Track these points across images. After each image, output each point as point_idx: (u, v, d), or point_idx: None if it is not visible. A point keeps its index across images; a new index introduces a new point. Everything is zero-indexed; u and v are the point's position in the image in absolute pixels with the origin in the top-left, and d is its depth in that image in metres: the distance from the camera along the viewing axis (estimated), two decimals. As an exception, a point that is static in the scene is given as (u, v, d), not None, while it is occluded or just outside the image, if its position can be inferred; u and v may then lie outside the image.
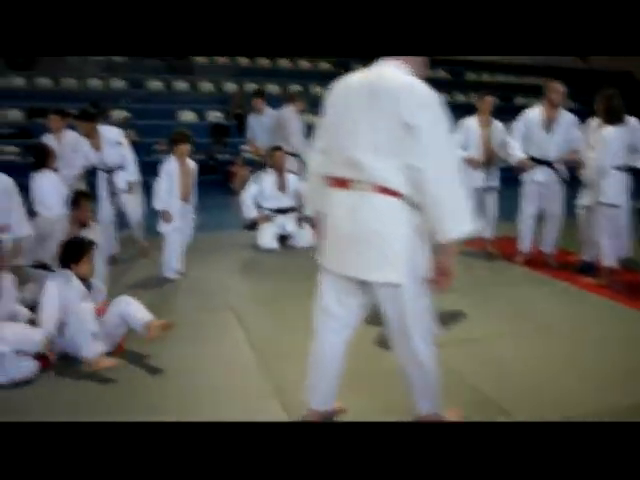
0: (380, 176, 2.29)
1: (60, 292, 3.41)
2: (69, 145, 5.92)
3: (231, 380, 3.25)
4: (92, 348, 3.28)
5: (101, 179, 5.75)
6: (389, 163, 2.28)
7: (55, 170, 5.41)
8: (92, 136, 5.60)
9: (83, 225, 4.34)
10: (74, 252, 3.58)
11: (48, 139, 5.98)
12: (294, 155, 7.09)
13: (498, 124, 5.99)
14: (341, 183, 2.39)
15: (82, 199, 4.46)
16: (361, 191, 2.33)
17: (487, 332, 3.81)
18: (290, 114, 7.40)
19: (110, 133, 5.72)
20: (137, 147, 10.87)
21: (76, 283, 3.51)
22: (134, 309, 3.48)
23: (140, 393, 3.11)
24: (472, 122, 5.98)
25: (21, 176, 5.50)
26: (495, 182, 6.02)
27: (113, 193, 5.71)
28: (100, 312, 3.50)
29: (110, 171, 5.71)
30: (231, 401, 3.01)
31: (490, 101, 5.96)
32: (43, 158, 5.31)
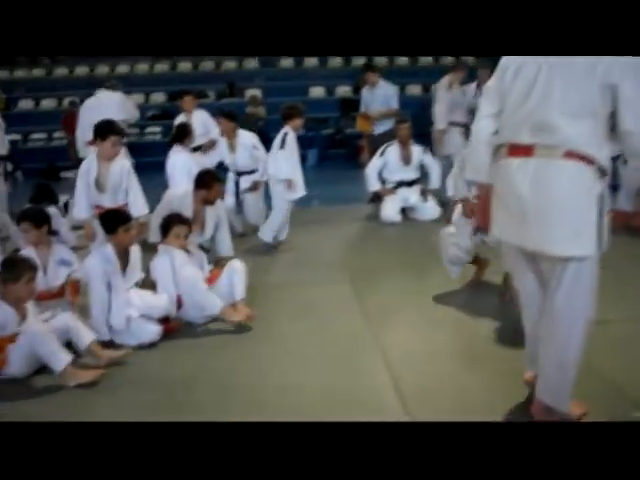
0: (574, 140, 2.14)
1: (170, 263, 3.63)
2: (199, 124, 6.24)
3: (342, 354, 3.23)
4: (214, 303, 3.51)
5: (230, 180, 5.97)
6: (584, 126, 2.13)
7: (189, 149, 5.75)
8: (230, 137, 5.84)
9: (211, 204, 4.42)
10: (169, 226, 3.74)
11: (180, 118, 6.35)
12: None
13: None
14: (523, 150, 2.23)
15: (213, 181, 4.49)
16: (548, 157, 2.17)
17: (624, 315, 3.46)
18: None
19: (247, 138, 5.92)
20: (268, 124, 11.34)
21: (178, 253, 3.67)
22: (236, 281, 3.66)
23: (251, 362, 3.19)
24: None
25: (162, 155, 5.93)
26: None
27: (237, 193, 5.93)
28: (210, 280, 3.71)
29: (240, 174, 5.92)
30: (341, 376, 3.00)
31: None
32: (180, 136, 5.62)
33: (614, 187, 5.62)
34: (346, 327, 3.55)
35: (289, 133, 5.21)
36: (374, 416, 2.46)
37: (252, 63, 13.14)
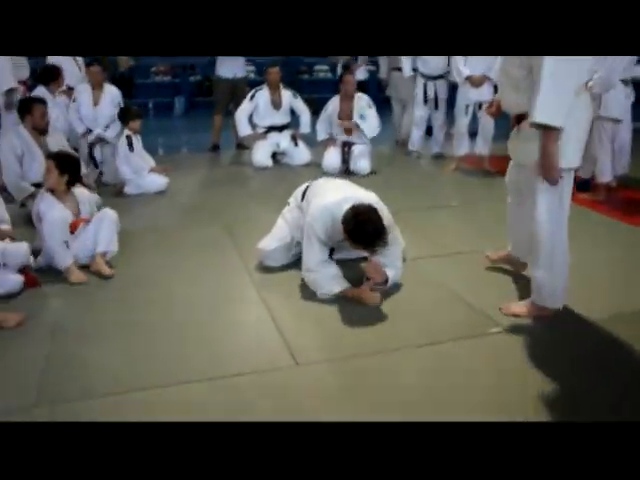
0: None
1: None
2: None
3: (222, 299, 3.25)
4: (62, 259, 3.36)
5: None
6: None
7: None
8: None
9: (42, 132, 4.49)
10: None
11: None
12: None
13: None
14: None
15: (33, 104, 4.49)
16: None
17: (475, 247, 3.76)
18: None
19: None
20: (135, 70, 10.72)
21: (46, 196, 3.50)
22: (102, 232, 3.51)
23: (129, 303, 3.13)
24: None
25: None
26: (489, 97, 5.88)
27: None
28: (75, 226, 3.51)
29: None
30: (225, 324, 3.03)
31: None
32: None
33: (473, 134, 6.06)
34: (224, 269, 3.56)
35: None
36: (267, 365, 2.52)
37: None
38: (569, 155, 2.64)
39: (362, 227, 2.85)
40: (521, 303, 3.00)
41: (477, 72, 5.76)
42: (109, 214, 3.58)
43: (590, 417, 2.16)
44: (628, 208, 4.83)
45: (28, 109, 4.43)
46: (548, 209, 2.70)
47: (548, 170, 2.59)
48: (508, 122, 2.94)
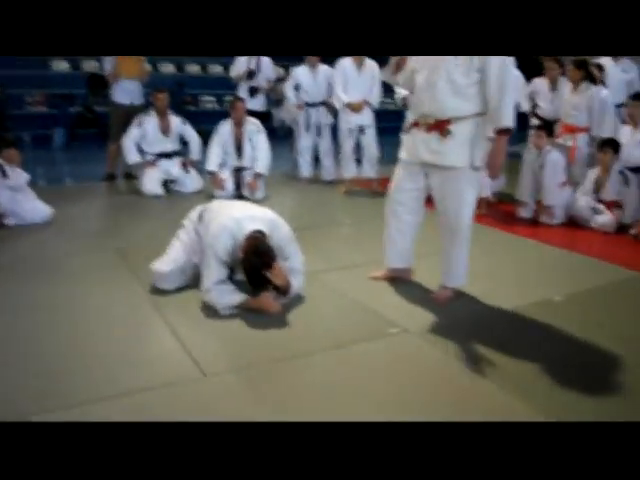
0: None
1: None
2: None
3: (123, 321, 3.12)
4: None
5: None
6: None
7: None
8: None
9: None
10: None
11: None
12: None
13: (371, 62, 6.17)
14: None
15: None
16: None
17: (370, 259, 3.89)
18: None
19: None
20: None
21: None
22: None
23: (17, 329, 2.92)
24: (347, 63, 6.14)
25: None
26: (369, 121, 6.21)
27: None
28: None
29: None
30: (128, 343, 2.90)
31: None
32: None
33: (358, 160, 6.32)
34: (118, 291, 3.42)
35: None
36: (174, 378, 2.45)
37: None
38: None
39: (251, 264, 2.97)
40: (441, 291, 3.33)
41: (356, 98, 6.04)
42: None
43: (483, 416, 2.29)
44: (505, 219, 5.25)
45: None
46: (473, 203, 3.20)
47: (498, 168, 3.08)
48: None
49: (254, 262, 2.94)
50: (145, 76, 6.81)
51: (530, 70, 5.86)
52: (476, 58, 2.91)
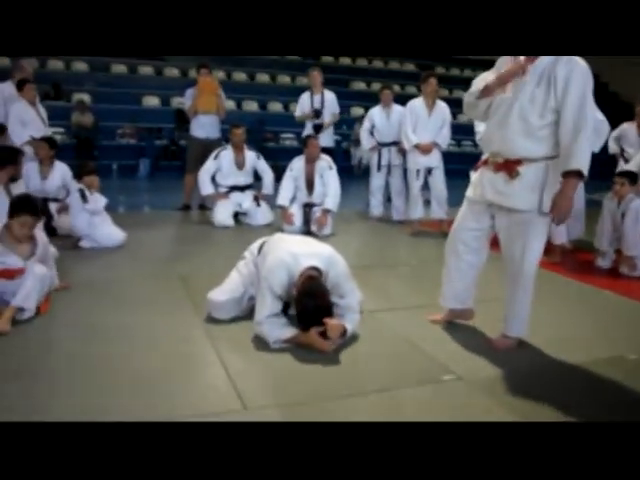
0: None
1: None
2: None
3: (175, 343, 3.14)
4: None
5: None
6: None
7: None
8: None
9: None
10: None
11: None
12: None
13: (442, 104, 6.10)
14: None
15: None
16: None
17: (431, 301, 3.76)
18: None
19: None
20: (96, 131, 10.81)
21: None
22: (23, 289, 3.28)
23: (80, 350, 2.99)
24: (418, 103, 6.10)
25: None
26: (437, 162, 6.13)
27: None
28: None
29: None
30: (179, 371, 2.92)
31: (434, 83, 6.04)
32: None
33: (427, 201, 6.23)
34: (176, 318, 3.46)
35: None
36: (214, 409, 2.43)
37: (81, 65, 12.50)
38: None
39: (303, 305, 2.92)
40: (501, 339, 3.16)
41: (425, 139, 5.98)
42: (35, 269, 3.38)
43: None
44: (582, 269, 4.98)
45: (13, 160, 4.39)
46: (539, 250, 3.02)
47: (566, 213, 2.84)
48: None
49: (306, 303, 2.90)
50: (222, 111, 7.02)
51: (617, 117, 5.65)
52: (553, 98, 2.78)
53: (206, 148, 6.76)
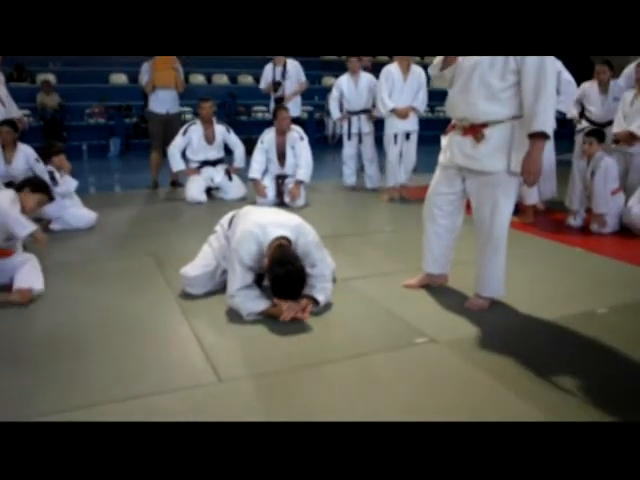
0: None
1: None
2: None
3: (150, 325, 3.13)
4: None
5: None
6: None
7: None
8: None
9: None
10: None
11: None
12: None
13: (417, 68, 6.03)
14: None
15: None
16: None
17: (405, 267, 3.78)
18: None
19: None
20: (62, 112, 10.58)
21: None
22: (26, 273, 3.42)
23: (52, 327, 2.96)
24: (393, 68, 6.02)
25: None
26: (414, 127, 6.13)
27: None
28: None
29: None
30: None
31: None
32: None
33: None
34: (149, 294, 3.45)
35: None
36: (189, 382, 2.42)
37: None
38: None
39: (281, 280, 2.87)
40: (474, 300, 3.19)
41: (401, 104, 5.93)
42: (33, 258, 3.54)
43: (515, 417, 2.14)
44: (554, 228, 5.03)
45: None
46: (508, 211, 3.02)
47: (535, 174, 2.81)
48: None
49: (277, 271, 2.88)
50: (180, 85, 6.90)
51: (581, 75, 5.65)
52: (512, 59, 2.76)
53: (167, 123, 6.70)
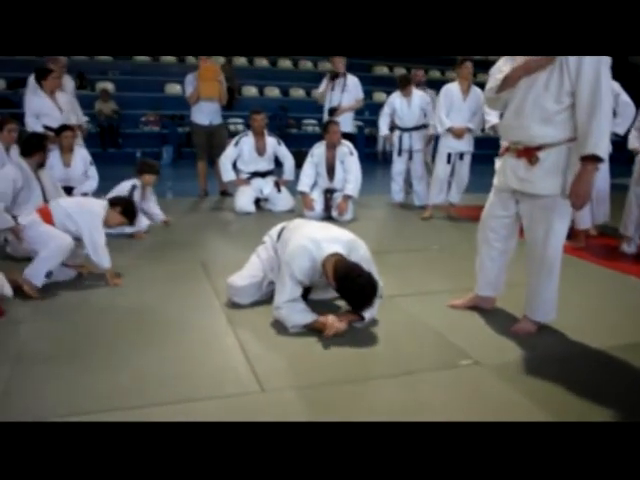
0: None
1: None
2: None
3: (194, 318, 3.19)
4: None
5: None
6: None
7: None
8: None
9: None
10: None
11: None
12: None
13: (477, 90, 5.97)
14: None
15: None
16: None
17: (451, 286, 3.74)
18: None
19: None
20: (120, 119, 10.90)
21: None
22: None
23: (98, 327, 3.05)
24: (453, 87, 5.98)
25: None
26: (468, 147, 6.10)
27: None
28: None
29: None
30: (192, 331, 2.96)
31: (470, 67, 5.91)
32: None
33: (449, 183, 6.18)
34: (196, 301, 3.51)
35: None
36: (232, 391, 2.46)
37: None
38: None
39: (359, 291, 2.92)
40: (522, 323, 3.15)
41: (458, 123, 5.90)
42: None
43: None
44: (606, 254, 4.92)
45: (40, 146, 4.43)
46: (562, 234, 2.99)
47: (584, 199, 2.78)
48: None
49: (349, 287, 2.91)
50: (223, 98, 7.01)
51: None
52: (567, 80, 2.72)
53: (211, 134, 6.82)
